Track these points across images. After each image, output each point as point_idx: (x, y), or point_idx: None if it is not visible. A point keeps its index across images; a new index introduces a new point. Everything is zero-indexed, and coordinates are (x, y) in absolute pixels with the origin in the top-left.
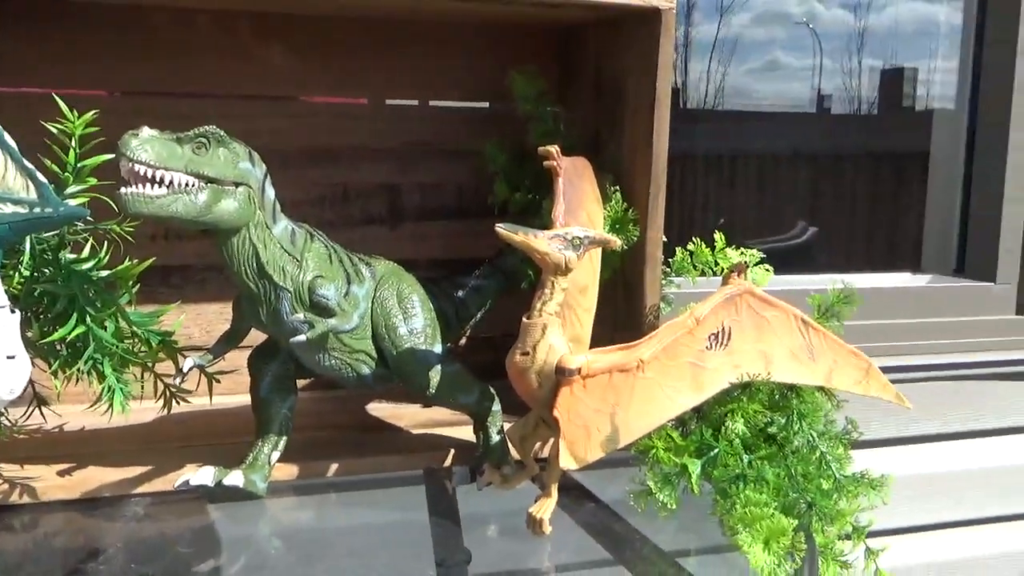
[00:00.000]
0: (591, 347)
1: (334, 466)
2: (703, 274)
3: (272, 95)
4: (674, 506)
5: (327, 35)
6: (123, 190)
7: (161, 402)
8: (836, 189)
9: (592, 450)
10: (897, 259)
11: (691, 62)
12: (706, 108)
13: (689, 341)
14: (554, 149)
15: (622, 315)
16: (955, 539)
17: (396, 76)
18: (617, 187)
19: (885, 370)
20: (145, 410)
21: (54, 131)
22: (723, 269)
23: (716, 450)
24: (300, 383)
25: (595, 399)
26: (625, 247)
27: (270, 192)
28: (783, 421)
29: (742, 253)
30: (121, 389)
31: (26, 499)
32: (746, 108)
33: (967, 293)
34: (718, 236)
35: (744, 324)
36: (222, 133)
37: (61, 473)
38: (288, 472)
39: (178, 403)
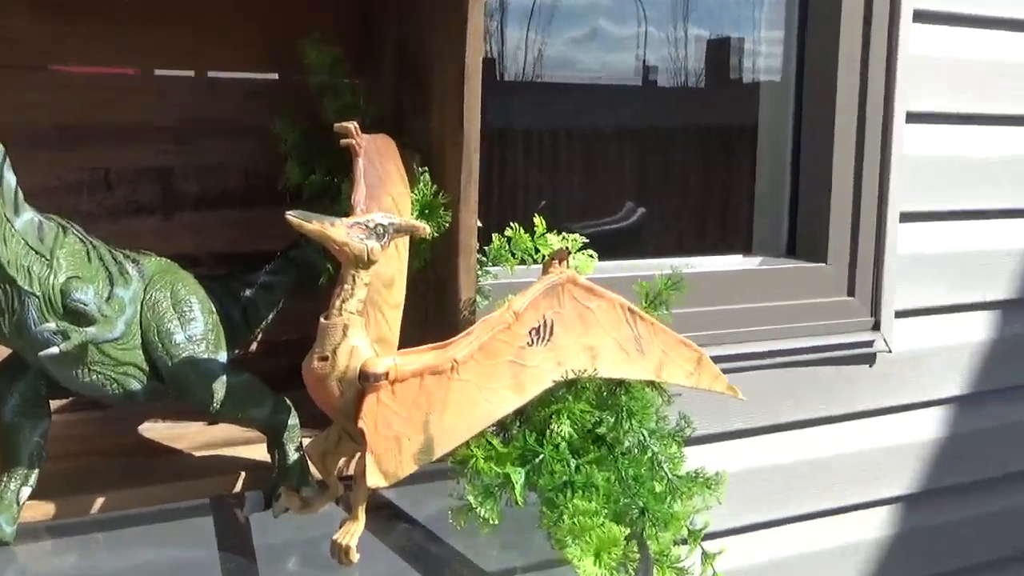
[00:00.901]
0: (399, 348)
1: (100, 500)
2: (523, 262)
3: (15, 64)
4: (497, 521)
5: None
6: None
7: None
8: (664, 167)
9: (403, 464)
10: (728, 241)
11: (507, 30)
12: (524, 80)
13: (508, 337)
14: (352, 125)
15: (433, 311)
16: (791, 535)
17: (168, 42)
18: (425, 168)
19: (717, 360)
20: None
21: None
22: (544, 256)
23: (541, 456)
24: (55, 404)
25: (405, 406)
26: (435, 235)
27: (10, 178)
28: (612, 420)
29: (564, 239)
30: None
31: None
32: (568, 80)
33: (799, 275)
34: (538, 220)
35: (567, 316)
36: None
37: None
38: (42, 511)
39: None
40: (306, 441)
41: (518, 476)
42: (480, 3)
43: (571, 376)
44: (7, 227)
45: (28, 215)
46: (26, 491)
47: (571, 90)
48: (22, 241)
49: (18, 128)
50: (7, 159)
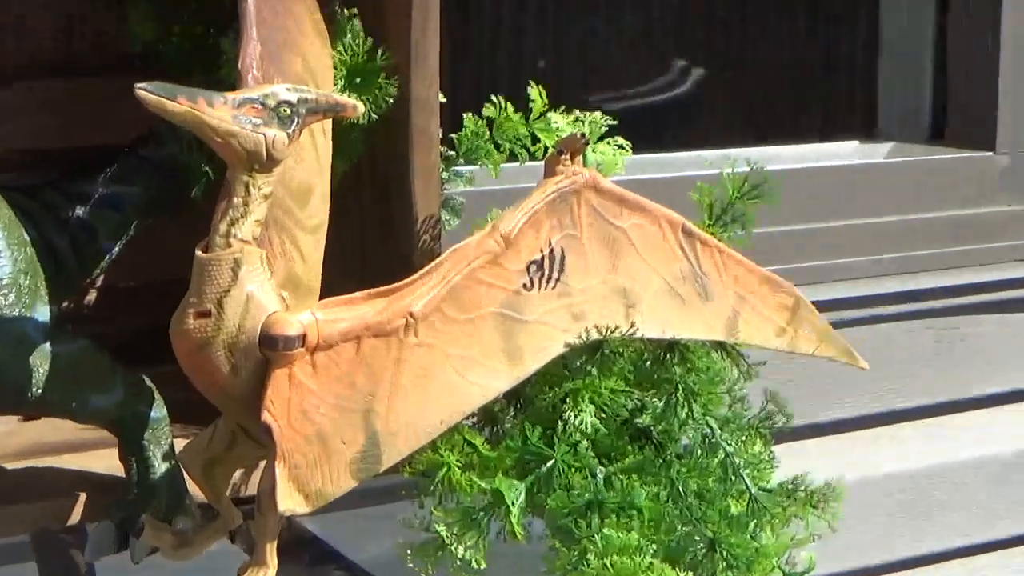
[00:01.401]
0: (322, 297)
1: None
2: (512, 158)
3: None
4: (483, 565)
5: None
6: None
7: None
8: (737, 6)
9: (335, 477)
10: (838, 120)
11: None
12: None
13: (494, 277)
14: None
15: (374, 238)
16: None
17: None
18: (355, 10)
19: (822, 308)
20: None
21: None
22: (547, 149)
23: (550, 462)
24: None
25: (335, 388)
26: (374, 116)
27: None
28: (660, 405)
29: (577, 119)
30: None
31: None
32: None
33: (951, 170)
34: (535, 91)
35: (586, 243)
36: None
37: None
38: None
39: None
40: (180, 444)
41: (515, 494)
42: None
43: (595, 336)
44: None
45: None
46: None
47: None
48: None
49: None
50: None
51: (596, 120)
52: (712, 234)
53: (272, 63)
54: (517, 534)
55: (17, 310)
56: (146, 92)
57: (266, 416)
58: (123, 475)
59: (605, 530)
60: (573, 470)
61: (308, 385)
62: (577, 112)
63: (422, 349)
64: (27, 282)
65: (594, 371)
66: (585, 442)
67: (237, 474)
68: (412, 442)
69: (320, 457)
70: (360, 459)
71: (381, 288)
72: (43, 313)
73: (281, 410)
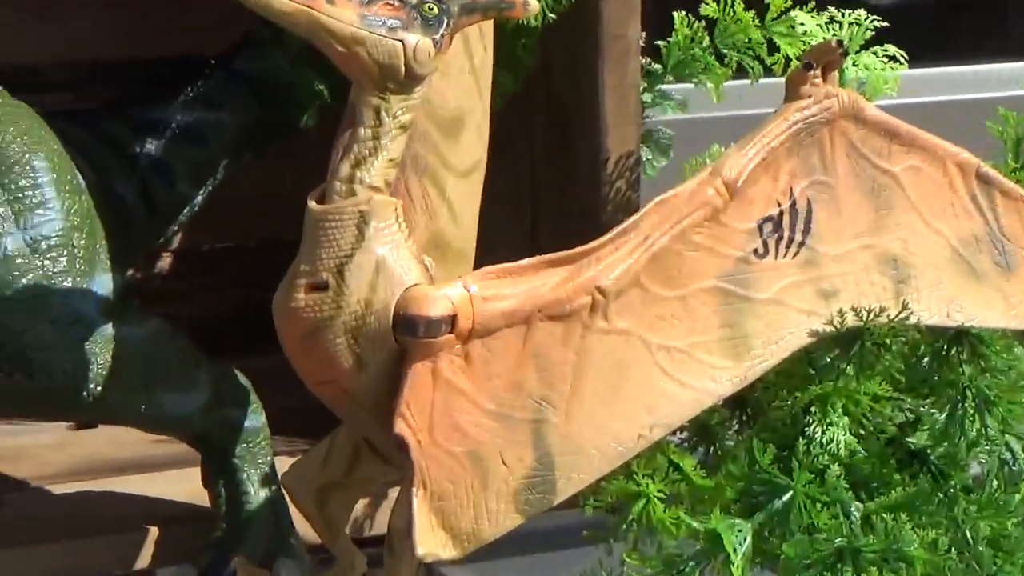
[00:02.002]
0: (478, 265)
1: None
2: (741, 73)
3: None
4: None
5: None
6: None
7: None
8: None
9: (493, 511)
10: None
11: None
12: None
13: (712, 239)
14: None
15: (549, 184)
16: None
17: None
18: None
19: None
20: None
21: None
22: (788, 60)
23: (787, 495)
24: None
25: (495, 389)
26: (551, 16)
27: None
28: (940, 419)
29: (832, 20)
30: None
31: None
32: None
33: None
34: None
35: (842, 193)
36: None
37: None
38: None
39: None
40: (284, 464)
41: (738, 537)
42: None
43: (852, 322)
44: None
45: None
46: None
47: None
48: None
49: None
50: None
51: (859, 21)
52: (1018, 181)
53: None
54: None
55: (69, 280)
56: None
57: (401, 426)
58: (207, 504)
59: None
60: (818, 506)
61: (458, 385)
62: (832, 10)
63: (614, 337)
64: (82, 242)
65: (850, 371)
66: (836, 468)
67: (360, 505)
68: (598, 465)
69: (474, 484)
70: (528, 487)
71: (558, 254)
72: (103, 283)
73: (421, 419)
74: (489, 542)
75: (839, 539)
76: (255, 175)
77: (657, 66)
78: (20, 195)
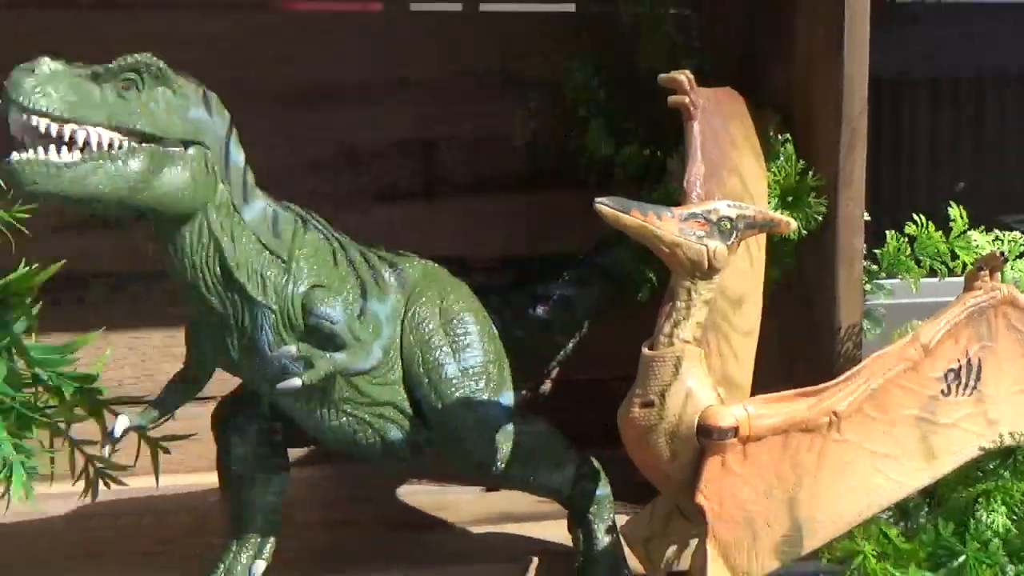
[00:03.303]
0: (753, 393)
1: None
2: (932, 273)
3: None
4: None
5: None
6: (15, 157)
7: (82, 484)
8: None
9: (760, 558)
10: None
11: None
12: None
13: (912, 382)
14: (684, 76)
15: (800, 342)
16: None
17: None
18: (787, 135)
19: None
20: (58, 497)
21: None
22: (965, 265)
23: (962, 557)
24: (293, 454)
25: (763, 477)
26: (803, 232)
27: (238, 155)
28: None
29: (997, 239)
30: (23, 464)
31: None
32: None
33: None
34: (955, 211)
35: (1003, 353)
36: (161, 64)
37: None
38: None
39: (108, 486)
40: (622, 519)
41: None
42: None
43: (1008, 441)
44: (235, 220)
45: (260, 204)
46: (260, 565)
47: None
48: (253, 238)
49: (242, 88)
50: (234, 131)
51: (1015, 239)
52: None
53: (713, 181)
54: None
55: (486, 395)
56: (604, 206)
57: (700, 498)
58: (570, 544)
59: None
60: (984, 566)
61: (738, 472)
62: (996, 232)
63: (843, 445)
64: (495, 371)
65: (1006, 474)
66: (996, 540)
67: (671, 550)
68: (831, 530)
69: (747, 538)
70: (784, 543)
71: (807, 388)
72: (507, 398)
73: (713, 493)
74: None
75: None
76: (605, 331)
77: (875, 266)
78: (456, 338)
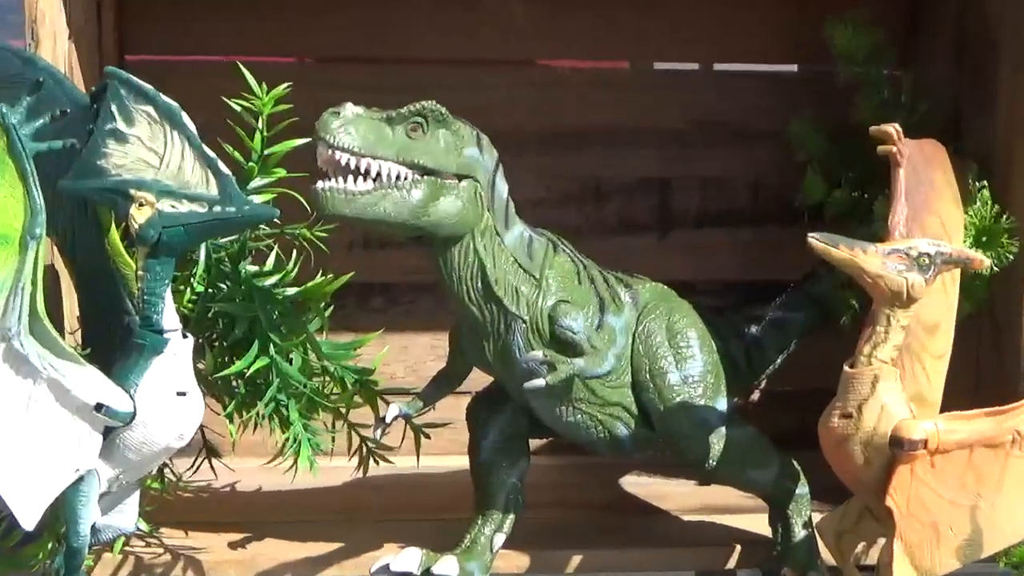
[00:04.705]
0: (942, 410)
1: (576, 558)
2: None
3: (504, 59)
4: None
5: None
6: (320, 184)
7: (356, 460)
8: None
9: (942, 558)
10: None
11: None
12: None
13: None
14: (893, 129)
15: (989, 365)
16: None
17: (667, 32)
18: (984, 182)
19: None
20: (336, 469)
21: (237, 109)
22: None
23: None
24: (534, 444)
25: (948, 485)
26: (995, 268)
27: (502, 188)
28: None
29: None
30: (309, 441)
31: (191, 575)
32: None
33: None
34: None
35: None
36: (443, 110)
37: (233, 545)
38: (515, 563)
39: (377, 463)
40: (817, 516)
41: None
42: None
43: None
44: (497, 242)
45: (518, 229)
46: (500, 538)
47: None
48: (511, 258)
49: (505, 131)
50: (500, 167)
51: None
52: None
53: (915, 221)
54: None
55: (703, 400)
56: (816, 240)
57: (889, 502)
58: (770, 536)
59: None
60: None
61: (926, 480)
62: None
63: None
64: (712, 380)
65: None
66: None
67: (860, 546)
68: (1011, 537)
69: (931, 540)
70: (965, 546)
71: (993, 408)
72: (721, 404)
73: (902, 498)
74: None
75: None
76: (810, 349)
77: None
78: (679, 350)
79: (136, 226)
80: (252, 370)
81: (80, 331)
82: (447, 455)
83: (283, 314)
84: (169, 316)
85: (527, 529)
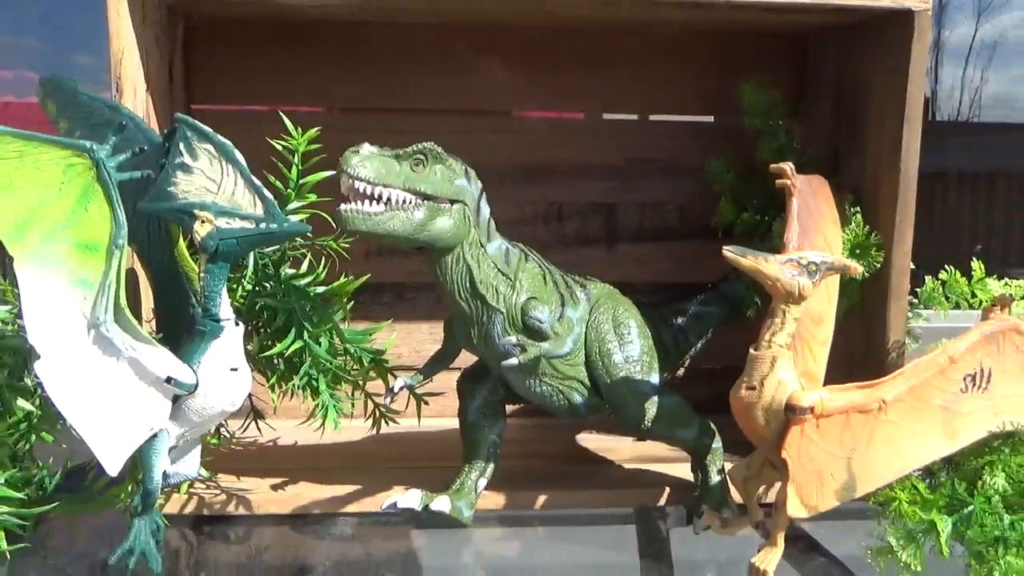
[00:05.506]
0: (825, 384)
1: (541, 498)
2: (957, 307)
3: (489, 110)
4: (920, 568)
5: (544, 48)
6: (342, 207)
7: (370, 421)
8: None
9: (824, 498)
10: None
11: (943, 68)
12: (960, 120)
13: (940, 382)
14: (788, 167)
15: (861, 351)
16: None
17: (614, 89)
18: (858, 208)
19: None
20: (355, 428)
21: (278, 148)
22: (981, 302)
23: (971, 508)
24: (509, 408)
25: (829, 442)
26: (866, 275)
27: (485, 210)
28: None
29: (1006, 284)
30: (334, 406)
31: (241, 511)
32: (1010, 120)
33: None
34: (976, 264)
35: (1008, 366)
36: (439, 150)
37: (274, 487)
38: (494, 501)
39: (387, 423)
40: (728, 465)
41: (944, 525)
42: (924, 42)
43: (1009, 428)
44: (481, 252)
45: (497, 242)
46: (483, 482)
47: (1013, 131)
48: (492, 264)
49: (488, 166)
50: (483, 193)
51: (1020, 285)
52: None
53: (805, 238)
54: (944, 552)
55: (641, 376)
56: (729, 252)
57: (784, 454)
58: (692, 480)
59: (1008, 558)
60: (987, 514)
61: (812, 438)
62: (1007, 279)
63: (888, 423)
64: (647, 359)
65: (1006, 450)
66: (997, 497)
67: (762, 488)
68: (876, 483)
69: (816, 484)
70: (841, 489)
71: (863, 382)
72: (655, 378)
73: (794, 452)
74: (821, 512)
75: (997, 532)
76: (722, 337)
77: (915, 300)
78: (622, 336)
79: (199, 238)
80: (289, 351)
81: (154, 320)
82: (442, 417)
83: (314, 307)
84: (225, 308)
85: (502, 476)
